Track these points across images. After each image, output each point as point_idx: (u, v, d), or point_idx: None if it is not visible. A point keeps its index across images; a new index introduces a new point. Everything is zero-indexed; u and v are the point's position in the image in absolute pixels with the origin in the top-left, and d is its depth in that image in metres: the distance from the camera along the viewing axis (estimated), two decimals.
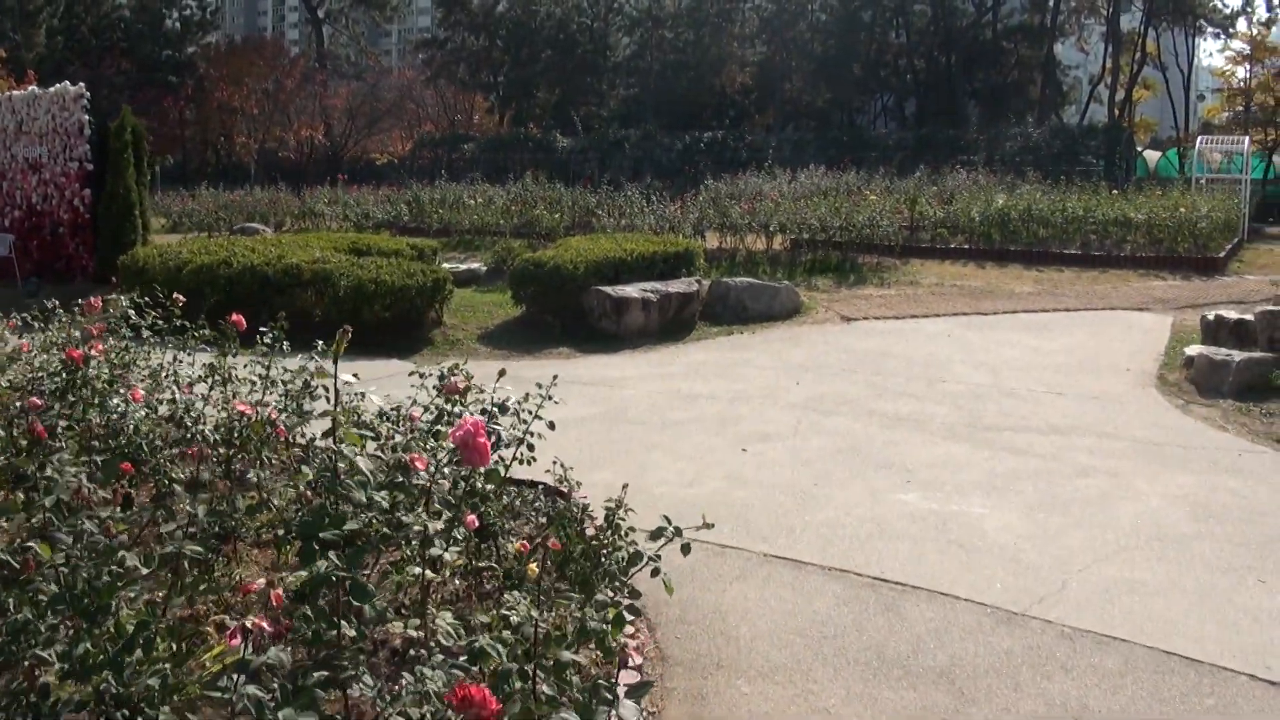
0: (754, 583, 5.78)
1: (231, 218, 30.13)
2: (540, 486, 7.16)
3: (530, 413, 6.11)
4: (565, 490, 6.86)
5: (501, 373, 5.55)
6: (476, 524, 3.97)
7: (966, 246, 19.72)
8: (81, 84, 19.14)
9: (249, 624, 2.81)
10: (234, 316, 6.16)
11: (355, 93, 66.69)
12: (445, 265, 19.35)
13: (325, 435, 5.67)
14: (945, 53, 56.81)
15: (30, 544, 3.23)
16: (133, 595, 3.08)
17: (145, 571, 3.07)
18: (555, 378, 6.01)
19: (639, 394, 10.76)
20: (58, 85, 19.06)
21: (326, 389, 6.93)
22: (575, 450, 8.66)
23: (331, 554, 3.03)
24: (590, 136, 54.40)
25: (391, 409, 6.85)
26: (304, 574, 3.06)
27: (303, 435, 6.20)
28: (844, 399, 10.31)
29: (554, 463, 6.05)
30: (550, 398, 5.92)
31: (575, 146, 53.18)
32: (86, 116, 18.34)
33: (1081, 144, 40.74)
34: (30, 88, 19.77)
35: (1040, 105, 54.87)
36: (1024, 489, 7.43)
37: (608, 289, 14.03)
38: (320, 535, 3.04)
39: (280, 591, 3.55)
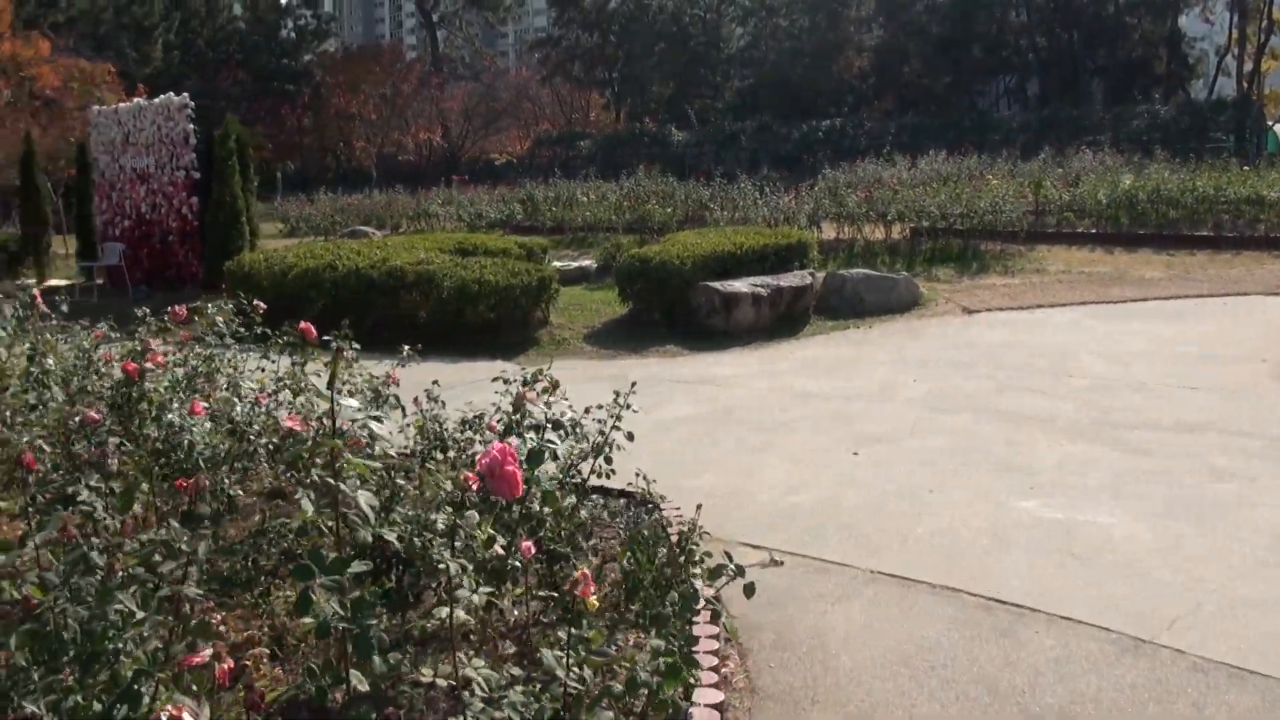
0: (858, 604, 5.32)
1: (348, 221, 30.35)
2: (630, 497, 6.73)
3: (613, 419, 5.74)
4: (651, 501, 6.49)
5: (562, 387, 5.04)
6: (533, 550, 3.58)
7: (1093, 231, 18.86)
8: (185, 94, 19.26)
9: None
10: (303, 325, 5.81)
11: (471, 94, 67.09)
12: (556, 263, 19.14)
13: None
14: (1067, 30, 55.13)
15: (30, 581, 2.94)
16: (131, 641, 2.75)
17: (140, 615, 2.74)
18: (634, 384, 5.72)
19: (747, 392, 10.33)
20: (162, 96, 19.22)
21: (398, 398, 6.67)
22: (677, 453, 8.29)
23: (334, 601, 2.66)
24: (706, 129, 53.94)
25: (475, 416, 6.52)
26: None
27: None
28: (964, 396, 9.75)
29: (636, 474, 5.59)
30: (629, 406, 5.58)
31: (691, 140, 52.81)
32: (191, 126, 18.45)
33: (1210, 119, 39.20)
34: (136, 100, 19.96)
35: (1166, 81, 53.02)
36: (1153, 494, 6.83)
37: (716, 284, 13.61)
38: (318, 580, 2.68)
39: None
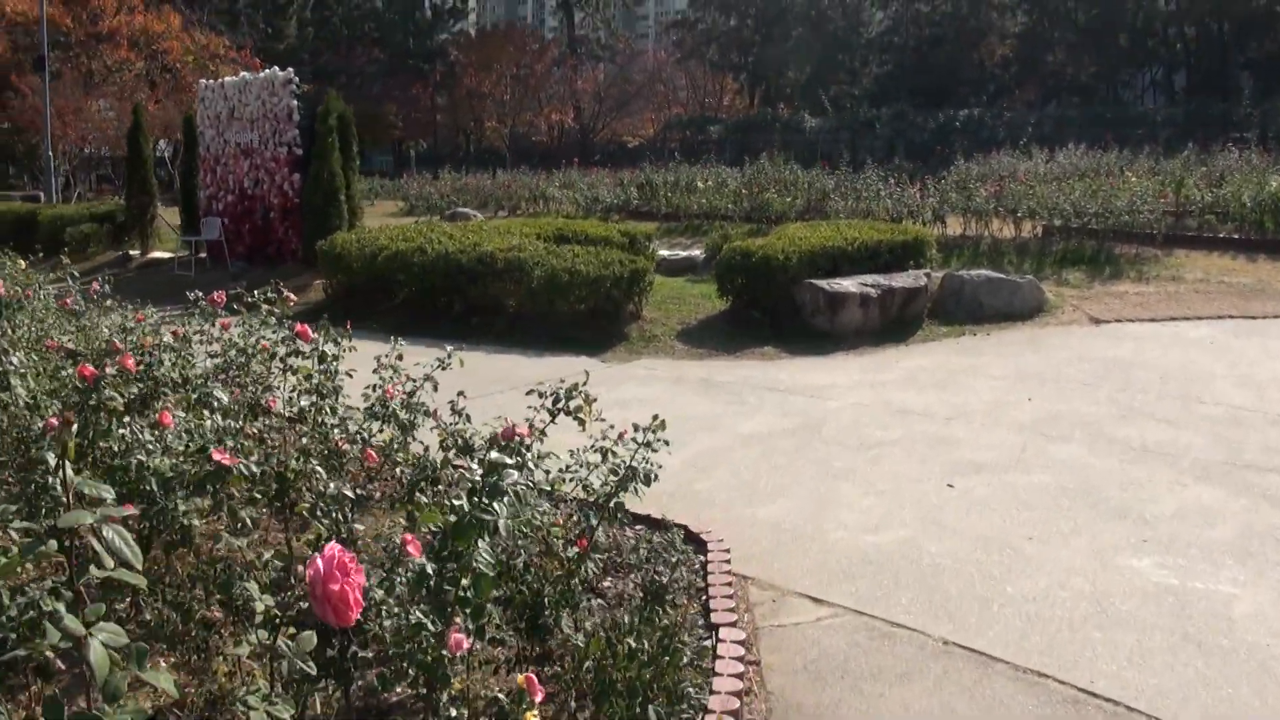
0: (922, 685, 4.48)
1: (464, 201, 29.98)
2: (677, 531, 5.93)
3: (641, 446, 4.99)
4: (698, 539, 5.69)
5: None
6: (464, 646, 2.82)
7: (1236, 236, 17.38)
8: (290, 69, 18.92)
9: None
10: (299, 328, 5.18)
11: (604, 76, 66.61)
12: (663, 252, 18.41)
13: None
14: (1217, 20, 52.42)
15: None
16: None
17: None
18: (659, 422, 4.90)
19: (842, 406, 9.46)
20: (267, 71, 18.91)
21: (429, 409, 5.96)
22: (753, 473, 7.50)
23: None
24: (840, 116, 52.70)
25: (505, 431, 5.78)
26: None
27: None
28: (1080, 421, 8.76)
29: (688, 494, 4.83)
30: (661, 439, 4.81)
31: (824, 127, 51.65)
32: (295, 102, 18.08)
33: None
34: (242, 74, 19.70)
35: None
36: None
37: (822, 282, 12.73)
38: None
39: None
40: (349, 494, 4.26)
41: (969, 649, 4.77)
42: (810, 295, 12.75)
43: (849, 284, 12.75)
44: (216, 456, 3.78)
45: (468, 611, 2.83)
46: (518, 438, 4.04)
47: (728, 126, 55.18)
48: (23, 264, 11.44)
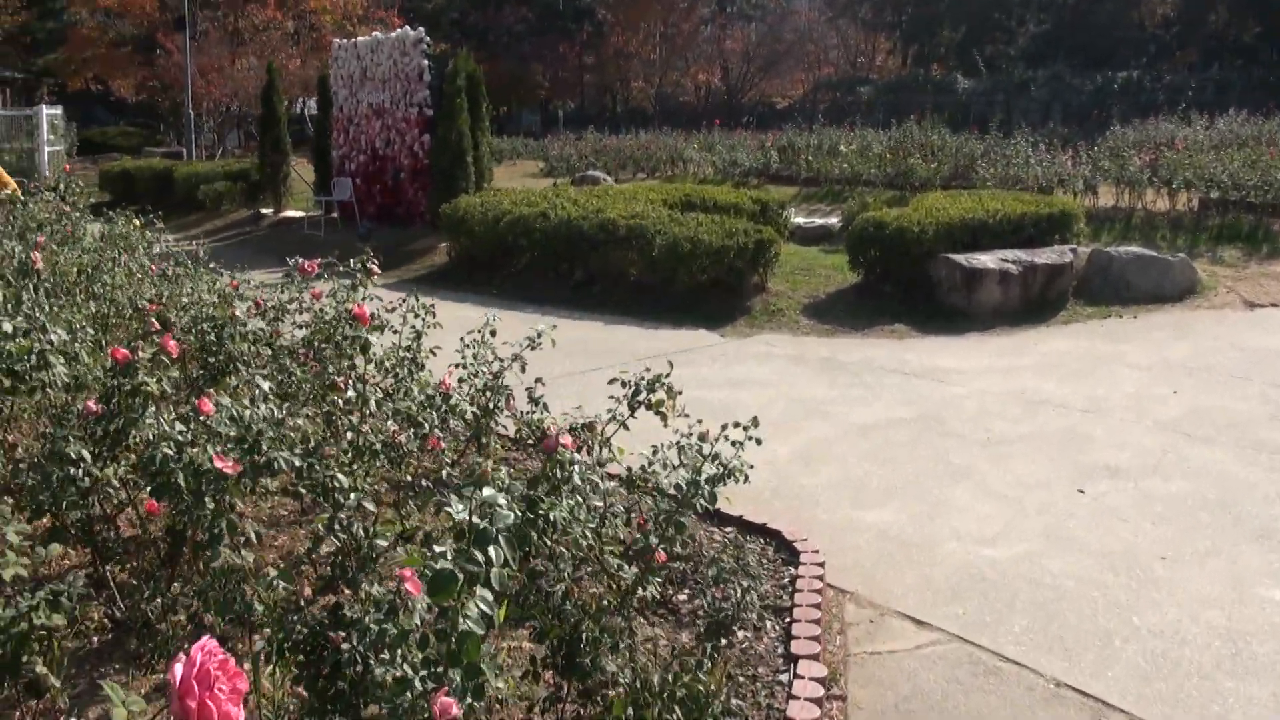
0: None
1: (605, 163, 29.61)
2: (768, 536, 5.48)
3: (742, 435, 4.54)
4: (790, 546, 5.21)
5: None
6: (451, 712, 2.41)
7: None
8: (421, 29, 18.72)
9: None
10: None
11: (753, 35, 65.54)
12: (799, 219, 17.83)
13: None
14: None
15: None
16: None
17: None
18: (749, 424, 4.45)
19: (970, 393, 8.86)
20: (399, 30, 18.75)
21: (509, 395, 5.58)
22: (862, 469, 6.99)
23: None
24: (995, 77, 50.98)
25: (585, 423, 5.37)
26: None
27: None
28: (1229, 420, 8.04)
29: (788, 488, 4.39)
30: (754, 438, 4.36)
31: (978, 89, 50.03)
32: (426, 61, 17.88)
33: None
34: (374, 33, 19.57)
35: None
36: None
37: (959, 257, 12.05)
38: None
39: None
40: (370, 507, 3.90)
41: (1084, 693, 4.23)
42: (946, 270, 12.09)
43: (987, 259, 12.06)
44: (218, 464, 3.45)
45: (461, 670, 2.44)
46: (562, 447, 3.60)
47: (878, 87, 53.76)
48: (137, 222, 11.29)
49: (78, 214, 11.91)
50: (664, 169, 28.02)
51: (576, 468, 3.55)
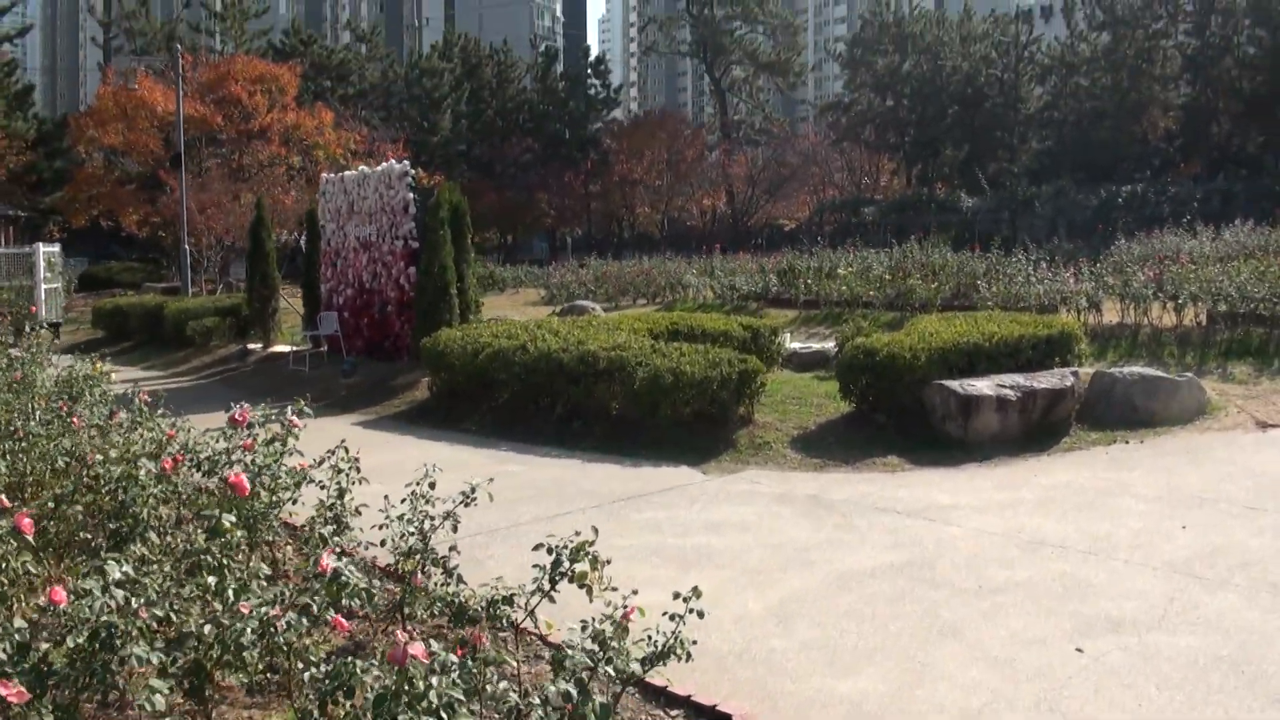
0: None
1: (606, 290, 29.33)
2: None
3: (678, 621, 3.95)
4: None
5: None
6: None
7: None
8: (406, 162, 18.52)
9: None
10: None
11: (757, 159, 66.01)
12: (794, 345, 17.37)
13: None
14: None
15: None
16: None
17: None
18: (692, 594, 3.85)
19: (964, 534, 8.23)
20: (384, 164, 18.54)
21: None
22: (841, 627, 6.35)
23: None
24: (998, 195, 51.01)
25: (504, 595, 4.78)
26: None
27: None
28: (1242, 559, 7.38)
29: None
30: (694, 610, 3.75)
31: (982, 206, 50.08)
32: (411, 195, 17.59)
33: None
34: (360, 168, 19.36)
35: None
36: None
37: (954, 384, 11.48)
38: None
39: None
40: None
41: None
42: (940, 398, 11.51)
43: (984, 385, 11.48)
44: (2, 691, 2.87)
45: None
46: (413, 659, 3.01)
47: (882, 208, 53.86)
48: (102, 366, 10.78)
49: (40, 356, 11.49)
50: (664, 295, 27.73)
51: (435, 680, 2.95)
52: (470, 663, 3.49)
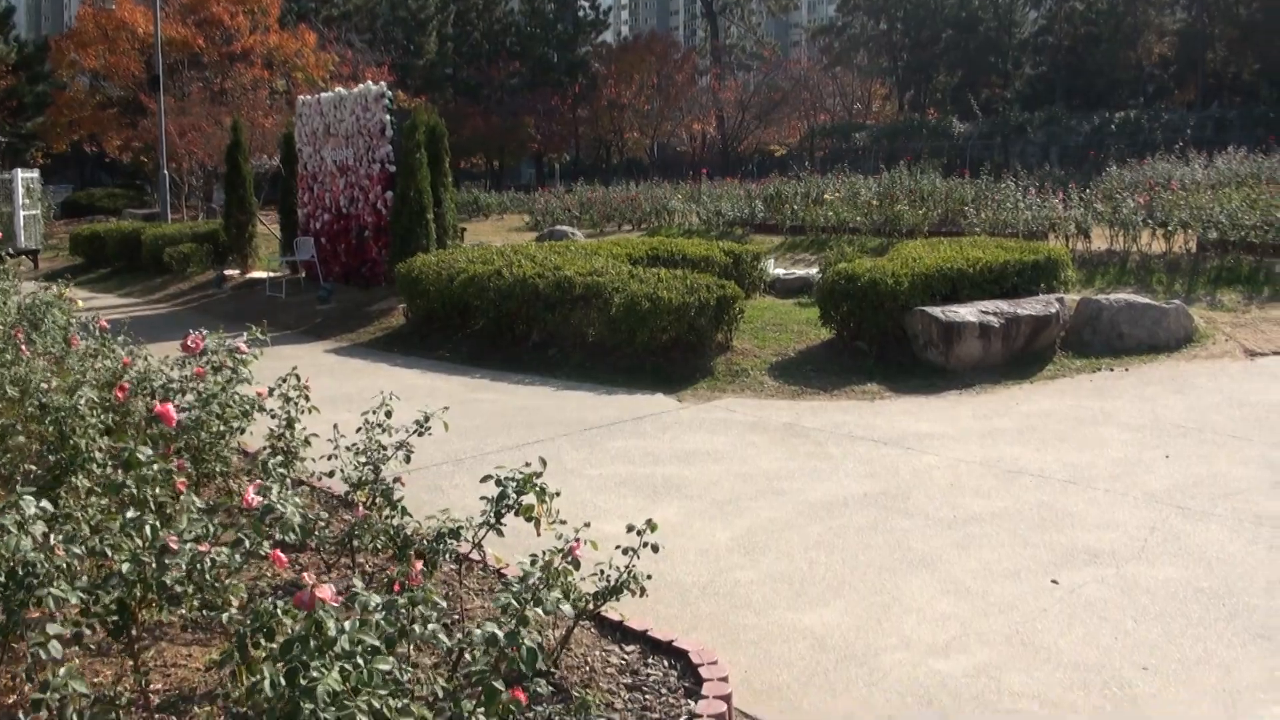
0: None
1: (591, 216, 28.95)
2: (674, 663, 4.61)
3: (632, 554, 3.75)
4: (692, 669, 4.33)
5: None
6: None
7: None
8: (383, 83, 18.10)
9: None
10: None
11: (746, 85, 65.21)
12: (778, 271, 17.10)
13: None
14: None
15: None
16: None
17: None
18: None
19: (941, 464, 8.03)
20: (361, 86, 18.07)
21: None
22: (811, 559, 6.16)
23: None
24: (991, 120, 50.41)
25: (451, 528, 4.55)
26: None
27: None
28: (1226, 489, 7.20)
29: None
30: (649, 544, 3.56)
31: (974, 132, 49.50)
32: (389, 116, 17.15)
33: None
34: (337, 89, 18.89)
35: None
36: None
37: (936, 310, 11.25)
38: None
39: None
40: (83, 689, 3.06)
41: None
42: (923, 325, 11.29)
43: (967, 312, 11.25)
44: None
45: None
46: (321, 602, 2.78)
47: (874, 133, 53.24)
48: (66, 292, 10.48)
49: (5, 283, 11.17)
50: (650, 221, 27.35)
51: (347, 625, 2.73)
52: (400, 602, 3.28)
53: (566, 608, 3.87)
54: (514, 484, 4.21)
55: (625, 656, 4.63)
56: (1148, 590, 5.59)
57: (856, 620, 5.32)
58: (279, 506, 4.10)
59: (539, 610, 3.61)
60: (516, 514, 4.27)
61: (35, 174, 32.61)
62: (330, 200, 18.45)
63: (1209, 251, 15.59)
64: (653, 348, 11.46)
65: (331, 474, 5.69)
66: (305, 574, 2.90)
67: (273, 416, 6.11)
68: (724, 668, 4.45)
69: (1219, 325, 12.35)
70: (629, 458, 8.41)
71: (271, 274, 19.47)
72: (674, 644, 4.64)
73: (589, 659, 4.55)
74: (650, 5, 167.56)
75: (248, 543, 4.03)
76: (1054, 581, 5.74)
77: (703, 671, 4.38)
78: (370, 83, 18.02)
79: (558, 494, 4.35)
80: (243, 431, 6.07)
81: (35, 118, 50.78)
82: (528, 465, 4.41)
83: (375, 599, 3.07)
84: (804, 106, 64.41)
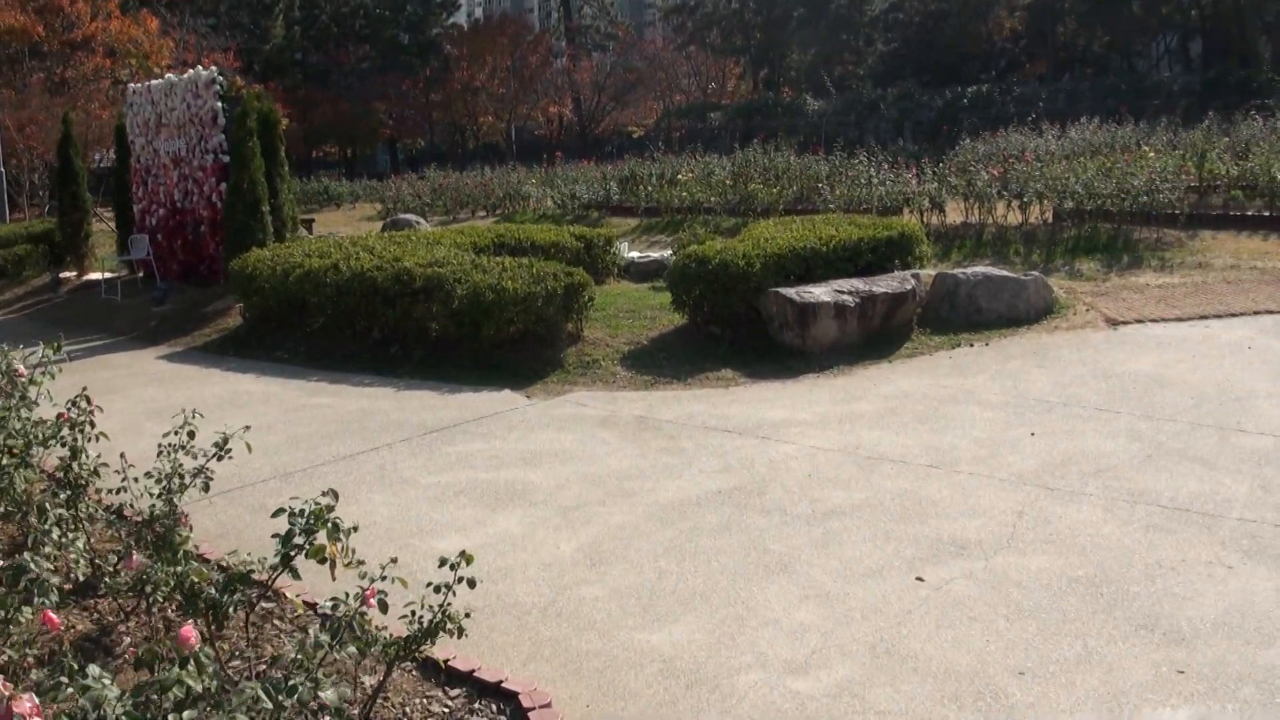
0: None
1: (445, 202, 28.21)
2: (503, 707, 4.13)
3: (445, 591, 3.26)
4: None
5: None
6: None
7: (1266, 214, 15.33)
8: (214, 68, 17.12)
9: None
10: None
11: (600, 66, 64.68)
12: (632, 254, 16.66)
13: None
14: None
15: None
16: None
17: None
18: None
19: (798, 453, 7.64)
20: (190, 71, 17.05)
21: None
22: (658, 568, 5.71)
23: None
24: (845, 98, 50.60)
25: (242, 571, 4.02)
26: None
27: None
28: (1096, 465, 6.93)
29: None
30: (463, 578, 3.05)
31: (829, 109, 49.64)
32: (220, 104, 16.21)
33: None
34: (167, 76, 17.87)
35: None
36: None
37: (790, 291, 10.89)
38: None
39: None
40: None
41: None
42: (777, 307, 10.92)
43: (821, 292, 10.91)
44: None
45: None
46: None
47: (729, 112, 53.07)
48: None
49: None
50: (505, 206, 26.74)
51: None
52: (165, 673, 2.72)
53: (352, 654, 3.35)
54: (302, 521, 3.65)
55: (449, 703, 4.12)
56: (1019, 583, 5.25)
57: (709, 637, 4.88)
58: (32, 566, 3.49)
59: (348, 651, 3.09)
60: (306, 556, 3.71)
61: None
62: (165, 194, 17.45)
63: (1066, 221, 15.54)
64: (500, 341, 10.92)
65: (118, 510, 5.07)
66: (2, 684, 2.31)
67: (63, 444, 5.44)
68: (557, 711, 3.97)
69: (1079, 295, 12.22)
70: (470, 462, 7.87)
71: (108, 275, 18.41)
72: (503, 685, 4.14)
73: (407, 709, 4.03)
74: None
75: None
76: (919, 579, 5.39)
77: (533, 717, 3.89)
78: (199, 68, 17.04)
79: (354, 529, 3.81)
80: (25, 466, 5.38)
81: None
82: (324, 496, 3.85)
83: (111, 692, 2.51)
84: (660, 87, 64.11)
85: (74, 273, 20.19)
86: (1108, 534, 5.82)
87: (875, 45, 60.04)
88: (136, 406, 10.15)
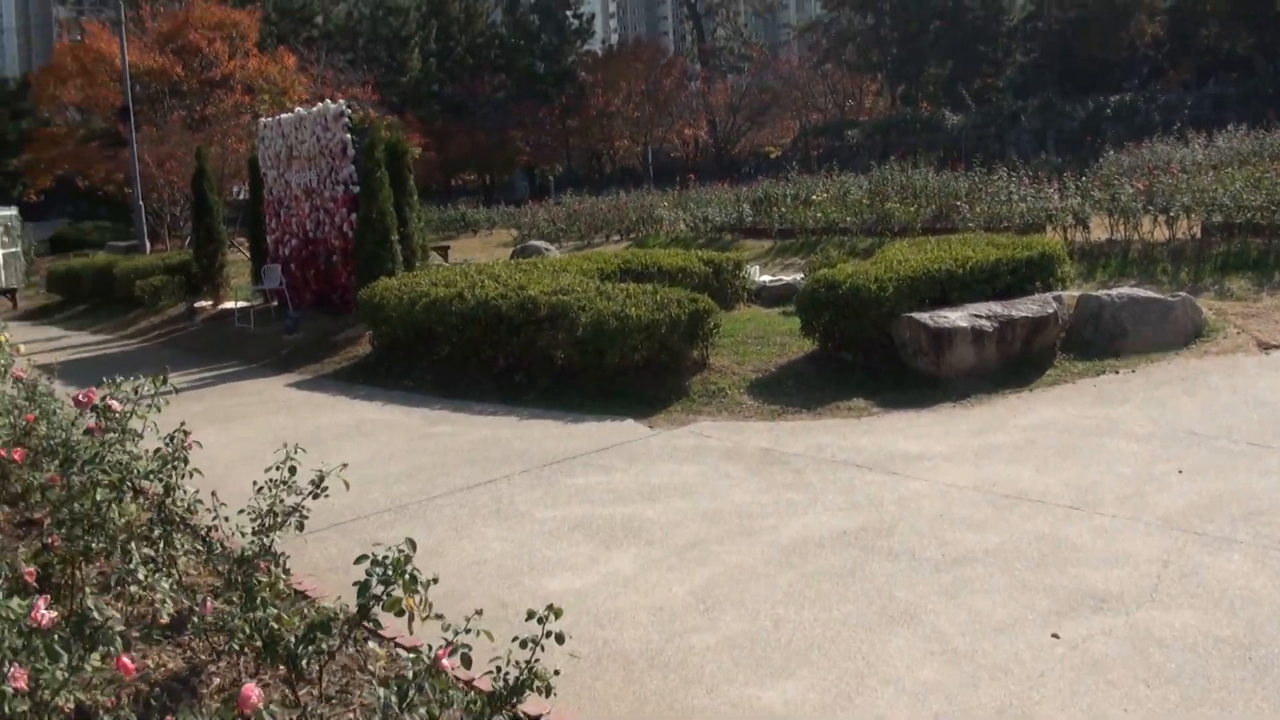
0: None
1: (579, 227, 28.25)
2: None
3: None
4: None
5: None
6: None
7: None
8: (342, 101, 17.37)
9: None
10: None
11: (735, 87, 64.50)
12: (764, 278, 16.38)
13: None
14: None
15: None
16: None
17: None
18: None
19: (930, 490, 7.26)
20: (320, 105, 17.31)
21: None
22: (775, 616, 5.42)
23: None
24: (984, 111, 49.65)
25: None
26: None
27: None
28: (1250, 508, 6.42)
29: None
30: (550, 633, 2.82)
31: (968, 123, 48.78)
32: (349, 135, 16.38)
33: None
34: (297, 110, 18.15)
35: None
36: None
37: (924, 316, 10.47)
38: None
39: None
40: None
41: None
42: (910, 333, 10.52)
43: (957, 316, 10.47)
44: None
45: None
46: None
47: (866, 129, 52.51)
48: (6, 336, 9.69)
49: None
50: (638, 230, 26.66)
51: None
52: None
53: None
54: (380, 571, 3.46)
55: None
56: (1161, 642, 4.82)
57: (824, 696, 4.56)
58: (95, 614, 3.35)
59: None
60: (384, 608, 3.52)
61: (13, 211, 32.03)
62: (297, 225, 17.73)
63: (1214, 236, 14.79)
64: (623, 369, 10.72)
65: (211, 548, 4.95)
66: None
67: (160, 480, 5.34)
68: None
69: (1229, 316, 11.56)
70: (588, 496, 7.66)
71: (242, 304, 18.75)
72: None
73: None
74: (638, 11, 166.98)
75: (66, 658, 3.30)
76: (1055, 636, 4.99)
77: None
78: (328, 101, 17.28)
79: (434, 581, 3.59)
80: (122, 500, 5.30)
81: (20, 154, 50.34)
82: (397, 547, 3.64)
83: None
84: (796, 106, 63.71)
85: (209, 302, 20.65)
86: (1258, 587, 5.34)
87: (1014, 56, 58.86)
88: (262, 434, 10.17)
